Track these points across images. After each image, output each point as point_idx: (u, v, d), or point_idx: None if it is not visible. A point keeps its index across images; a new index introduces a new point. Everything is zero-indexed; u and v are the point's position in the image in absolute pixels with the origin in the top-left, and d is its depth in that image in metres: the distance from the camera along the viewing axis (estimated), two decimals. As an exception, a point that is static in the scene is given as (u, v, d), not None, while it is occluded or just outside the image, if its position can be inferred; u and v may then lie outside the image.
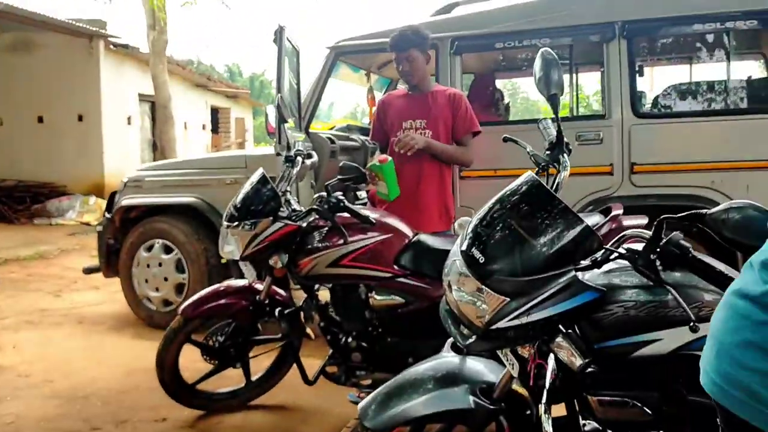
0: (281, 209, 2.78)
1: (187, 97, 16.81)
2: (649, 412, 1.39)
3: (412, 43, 3.28)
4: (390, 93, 3.58)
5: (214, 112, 20.40)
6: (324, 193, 2.75)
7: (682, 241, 1.30)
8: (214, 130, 20.44)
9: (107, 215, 4.78)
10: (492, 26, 3.91)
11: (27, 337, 4.42)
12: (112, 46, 12.51)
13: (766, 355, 0.80)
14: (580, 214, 2.14)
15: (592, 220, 2.52)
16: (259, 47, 77.74)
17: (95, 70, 12.06)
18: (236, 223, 2.77)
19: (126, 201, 4.62)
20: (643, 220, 2.59)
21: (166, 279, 4.48)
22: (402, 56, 3.31)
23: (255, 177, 2.89)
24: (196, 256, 4.40)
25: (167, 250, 4.49)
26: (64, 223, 10.65)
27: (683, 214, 1.27)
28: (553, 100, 2.04)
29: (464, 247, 1.44)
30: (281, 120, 3.27)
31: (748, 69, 5.12)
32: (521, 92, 35.65)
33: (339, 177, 2.86)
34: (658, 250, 1.32)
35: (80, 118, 12.10)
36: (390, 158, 3.10)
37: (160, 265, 4.49)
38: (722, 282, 1.26)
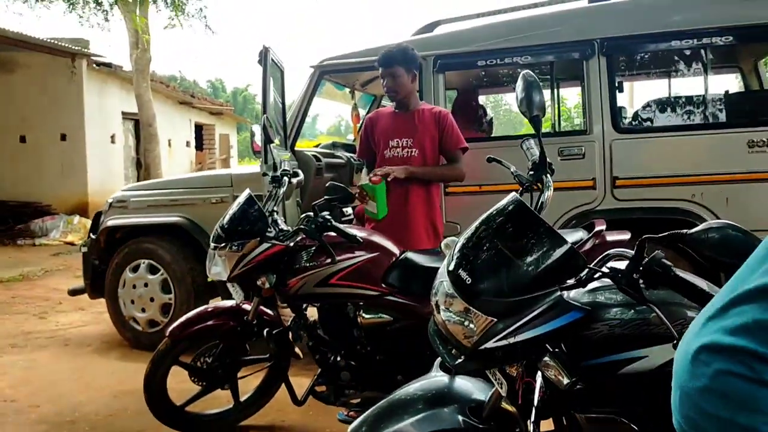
0: (268, 229, 2.79)
1: (170, 114, 16.79)
2: (636, 428, 1.41)
3: (396, 60, 3.32)
4: (377, 110, 3.60)
5: (198, 128, 20.38)
6: (311, 213, 2.76)
7: (664, 260, 1.32)
8: (199, 147, 20.42)
9: (92, 236, 4.75)
10: (474, 44, 3.97)
11: (12, 361, 4.36)
12: (95, 65, 12.49)
13: (725, 402, 0.82)
14: (564, 231, 2.17)
15: (576, 236, 2.56)
16: (242, 61, 77.95)
17: (78, 89, 12.02)
18: (223, 245, 2.78)
19: (111, 221, 4.60)
20: (626, 236, 2.62)
21: (152, 299, 4.46)
22: (386, 72, 3.34)
23: (242, 198, 2.90)
24: (183, 276, 4.38)
25: (153, 270, 4.47)
26: (48, 243, 10.54)
27: (664, 234, 1.30)
28: (536, 121, 2.07)
29: (451, 268, 1.46)
30: (267, 140, 3.29)
31: (726, 83, 5.23)
32: (504, 105, 36.00)
33: (326, 197, 2.88)
34: (641, 268, 1.33)
35: (63, 137, 12.03)
36: (383, 178, 3.13)
37: (146, 285, 4.47)
38: (704, 299, 1.28)
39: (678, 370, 0.90)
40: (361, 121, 6.07)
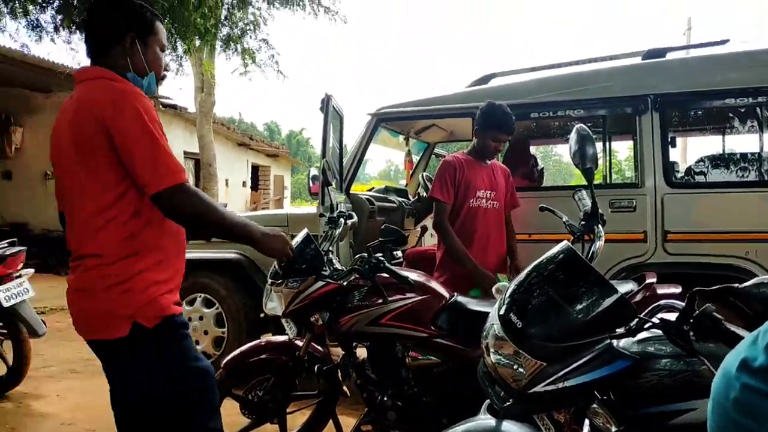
0: (324, 268, 2.89)
1: (229, 155, 17.36)
2: (685, 479, 1.42)
3: None
4: (458, 157, 3.61)
5: (255, 169, 20.96)
6: (365, 254, 2.85)
7: (715, 314, 1.34)
8: (254, 187, 20.95)
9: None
10: (528, 97, 4.07)
11: (70, 386, 4.54)
12: (161, 107, 13.09)
13: (748, 413, 0.92)
14: (615, 282, 2.20)
15: (626, 287, 2.57)
16: (297, 99, 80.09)
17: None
18: (280, 281, 2.88)
19: (171, 256, 4.79)
20: (677, 289, 2.62)
21: (206, 332, 4.61)
22: (507, 138, 3.59)
23: (300, 237, 3.00)
24: (237, 311, 4.51)
25: (208, 304, 4.63)
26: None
27: (715, 287, 1.33)
28: (588, 173, 2.14)
29: (502, 312, 1.52)
30: (326, 183, 3.41)
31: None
32: (554, 155, 35.87)
33: (380, 239, 2.98)
34: (691, 320, 1.36)
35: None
36: None
37: (201, 318, 4.62)
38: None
39: (716, 383, 1.01)
40: (413, 168, 6.21)
